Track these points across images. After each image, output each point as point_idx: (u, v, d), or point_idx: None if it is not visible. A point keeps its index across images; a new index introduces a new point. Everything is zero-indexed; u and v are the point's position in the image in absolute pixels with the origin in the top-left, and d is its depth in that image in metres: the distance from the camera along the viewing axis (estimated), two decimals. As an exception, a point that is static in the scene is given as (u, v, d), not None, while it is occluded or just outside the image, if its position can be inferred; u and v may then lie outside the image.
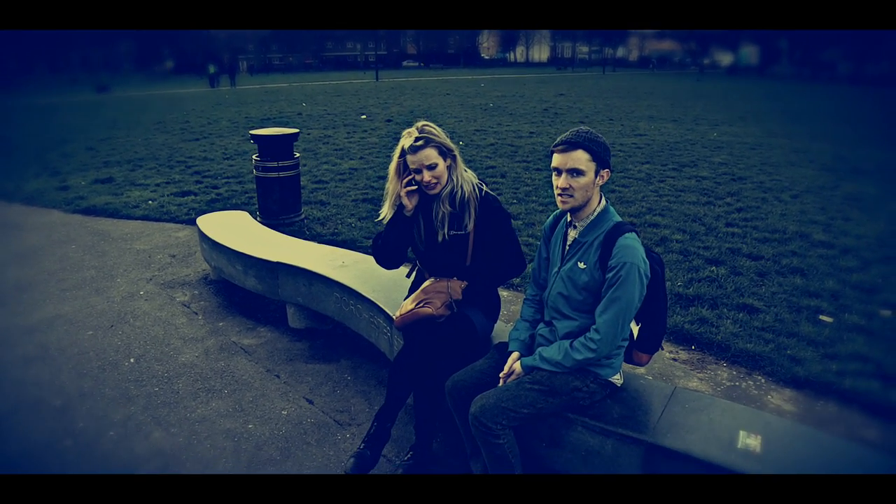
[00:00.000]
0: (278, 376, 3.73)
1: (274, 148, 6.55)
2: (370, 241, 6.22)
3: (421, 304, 2.76)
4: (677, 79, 43.34)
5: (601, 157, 2.29)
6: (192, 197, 8.25)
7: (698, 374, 3.77)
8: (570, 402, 2.36)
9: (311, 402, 3.45)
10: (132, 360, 3.89)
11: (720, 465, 2.11)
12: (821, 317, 4.50)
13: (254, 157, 6.73)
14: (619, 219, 2.39)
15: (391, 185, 2.85)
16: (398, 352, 2.81)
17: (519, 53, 70.68)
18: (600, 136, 2.33)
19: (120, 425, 3.20)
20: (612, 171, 2.38)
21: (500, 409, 2.28)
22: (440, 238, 2.83)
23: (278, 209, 6.73)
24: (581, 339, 2.32)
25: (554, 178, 2.36)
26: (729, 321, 4.39)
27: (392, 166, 2.82)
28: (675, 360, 3.95)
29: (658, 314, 2.46)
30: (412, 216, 2.86)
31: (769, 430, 2.29)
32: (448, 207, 2.79)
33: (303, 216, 7.05)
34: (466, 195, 2.79)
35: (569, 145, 2.29)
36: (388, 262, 3.00)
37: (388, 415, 2.73)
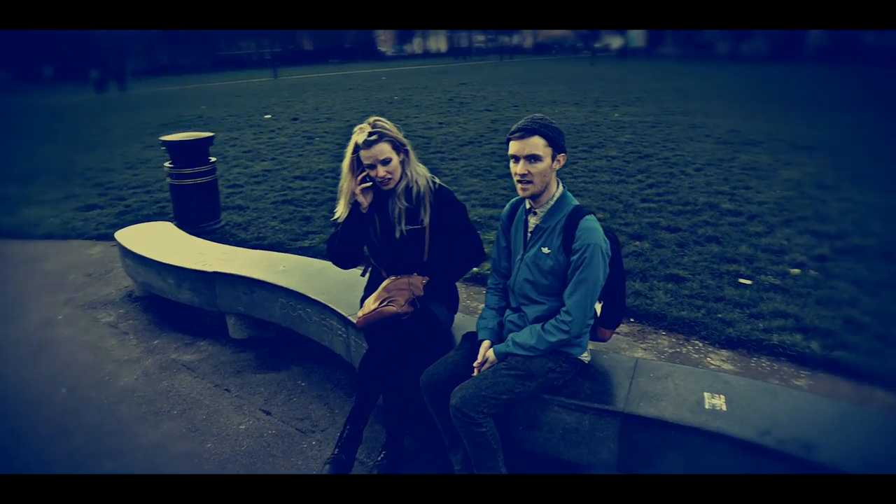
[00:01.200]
0: (228, 390, 3.59)
1: (189, 154, 6.29)
2: (298, 243, 6.12)
3: (384, 303, 2.74)
4: (572, 63, 44.63)
5: (556, 142, 2.35)
6: (99, 211, 7.76)
7: (641, 345, 3.94)
8: (546, 383, 2.42)
9: (268, 413, 3.36)
10: (64, 391, 3.64)
11: (693, 426, 2.23)
12: (740, 280, 4.81)
13: (166, 164, 6.43)
14: (576, 202, 2.46)
15: (345, 184, 2.80)
16: (364, 354, 2.78)
17: (416, 45, 70.75)
18: (554, 121, 2.39)
19: (64, 461, 3.00)
20: (567, 156, 2.45)
21: (480, 397, 2.31)
22: (397, 234, 2.81)
23: (197, 217, 6.47)
24: (552, 321, 2.38)
25: (512, 165, 2.40)
26: (661, 292, 4.61)
27: (345, 163, 2.77)
28: (617, 333, 4.09)
29: (618, 290, 2.56)
30: (367, 213, 2.83)
31: (729, 388, 2.45)
32: (404, 203, 2.78)
33: (223, 222, 6.81)
34: (422, 189, 2.78)
35: (525, 132, 2.33)
36: (344, 261, 2.96)
37: (359, 417, 2.69)
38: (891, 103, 16.20)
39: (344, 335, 3.31)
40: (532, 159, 2.33)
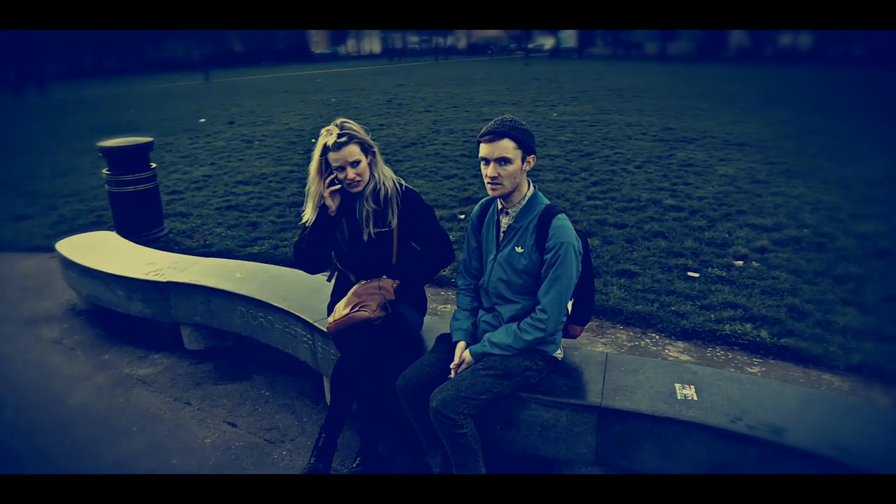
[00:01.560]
0: (189, 403, 3.48)
1: (128, 160, 6.05)
2: (247, 249, 5.98)
3: (356, 308, 2.70)
4: (506, 64, 45.19)
5: (526, 144, 2.38)
6: (30, 221, 7.35)
7: (601, 340, 4.03)
8: (523, 381, 2.45)
9: (233, 425, 3.26)
10: (9, 413, 3.44)
11: (668, 416, 2.30)
12: (689, 273, 4.98)
13: (104, 171, 6.17)
14: (547, 202, 2.50)
15: (313, 186, 2.75)
16: (337, 361, 2.74)
17: (350, 46, 70.10)
18: (524, 123, 2.42)
19: (17, 485, 2.83)
20: (537, 157, 2.48)
21: (460, 399, 2.31)
22: (365, 237, 2.79)
23: (139, 225, 6.23)
24: (528, 320, 2.41)
25: (482, 167, 2.42)
26: (615, 287, 4.73)
27: (313, 165, 2.72)
28: (577, 329, 4.18)
29: (587, 288, 2.61)
30: (335, 217, 2.79)
31: (697, 378, 2.53)
32: (372, 205, 2.76)
33: (166, 230, 6.59)
34: (389, 192, 2.77)
35: (495, 135, 2.36)
36: (313, 266, 2.91)
37: (335, 425, 2.67)
38: (809, 101, 17.06)
39: (309, 342, 3.26)
40: (502, 162, 2.36)
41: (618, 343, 3.98)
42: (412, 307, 2.91)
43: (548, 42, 59.37)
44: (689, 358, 3.75)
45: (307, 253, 2.84)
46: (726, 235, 5.82)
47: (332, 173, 2.70)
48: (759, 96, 18.24)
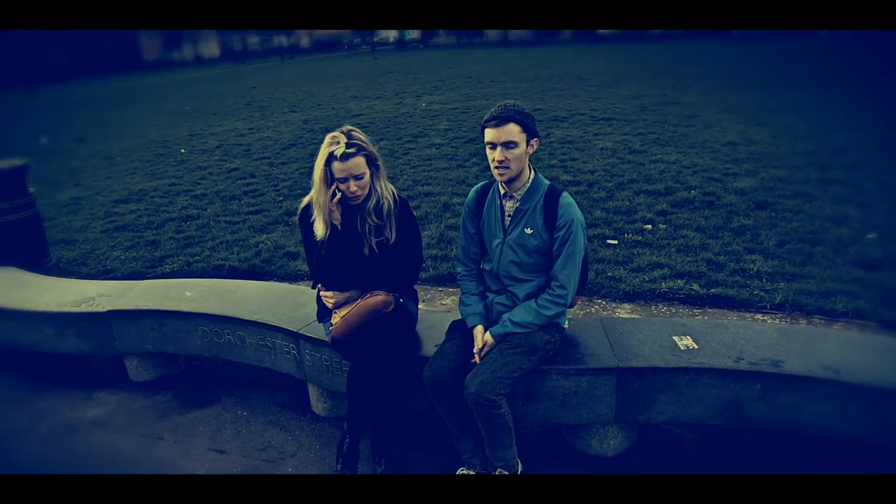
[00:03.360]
0: (161, 438, 3.24)
1: (2, 186, 5.41)
2: (158, 269, 5.66)
3: (367, 296, 2.67)
4: (355, 59, 44.84)
5: (530, 128, 2.48)
6: None
7: (555, 312, 4.23)
8: (545, 354, 2.56)
9: (221, 451, 3.09)
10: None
11: (680, 367, 2.52)
12: (608, 241, 5.33)
13: (-28, 202, 5.48)
14: (548, 182, 2.61)
15: (321, 197, 2.62)
16: (351, 367, 2.68)
17: (187, 51, 65.87)
18: (525, 107, 2.51)
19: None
20: (539, 140, 2.58)
21: (496, 380, 2.38)
22: (367, 251, 2.72)
23: (24, 258, 5.60)
24: (545, 296, 2.52)
25: (489, 151, 2.49)
26: (549, 262, 4.96)
27: (317, 175, 2.59)
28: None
29: (584, 259, 2.75)
30: (342, 230, 2.69)
31: (689, 329, 2.78)
32: (375, 219, 2.69)
33: (53, 260, 5.98)
34: (391, 207, 2.72)
35: (500, 120, 2.43)
36: (338, 283, 2.78)
37: (359, 430, 2.63)
38: (649, 75, 18.55)
39: (293, 351, 3.16)
40: (509, 145, 2.44)
41: (570, 312, 4.19)
42: (410, 299, 2.92)
43: (392, 34, 59.70)
44: (639, 317, 4.05)
45: (331, 273, 2.72)
46: (628, 203, 6.27)
47: (333, 183, 2.60)
48: (607, 73, 19.53)
